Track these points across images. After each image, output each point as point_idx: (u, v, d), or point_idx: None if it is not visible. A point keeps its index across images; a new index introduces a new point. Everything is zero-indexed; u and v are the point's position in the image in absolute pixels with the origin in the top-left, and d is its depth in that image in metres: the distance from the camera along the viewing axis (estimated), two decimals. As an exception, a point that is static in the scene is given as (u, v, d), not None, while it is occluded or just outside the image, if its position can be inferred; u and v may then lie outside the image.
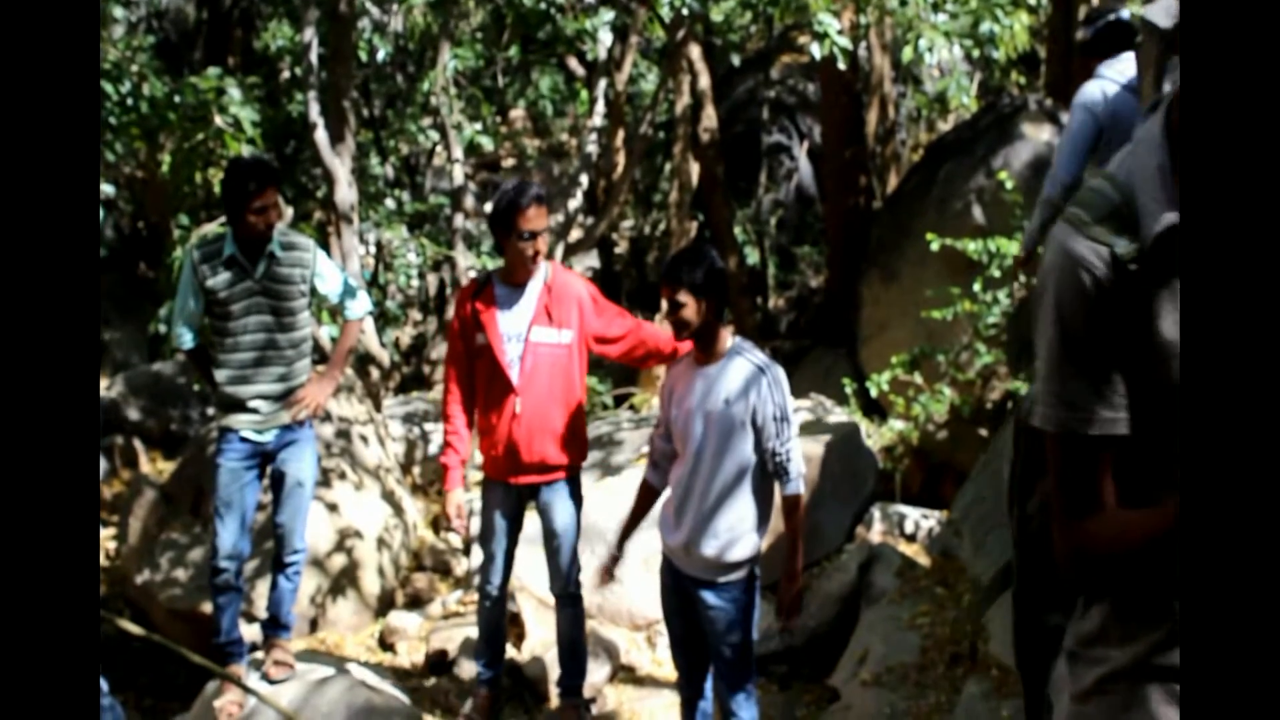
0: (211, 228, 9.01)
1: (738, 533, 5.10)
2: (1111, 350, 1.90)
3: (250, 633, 7.00)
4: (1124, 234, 1.86)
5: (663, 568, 5.40)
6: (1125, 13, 6.44)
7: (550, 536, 6.02)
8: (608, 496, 8.44)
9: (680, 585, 5.28)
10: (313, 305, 6.17)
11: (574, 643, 6.27)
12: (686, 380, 5.16)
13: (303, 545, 6.26)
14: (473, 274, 13.16)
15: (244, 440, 5.99)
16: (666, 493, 5.35)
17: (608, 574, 5.67)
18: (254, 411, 5.95)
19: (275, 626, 6.32)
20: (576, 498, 6.05)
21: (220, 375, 5.95)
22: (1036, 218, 6.76)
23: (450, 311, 13.00)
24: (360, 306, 6.25)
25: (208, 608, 7.43)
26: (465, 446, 5.96)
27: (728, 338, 5.12)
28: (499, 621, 6.28)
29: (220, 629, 6.18)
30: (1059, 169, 6.39)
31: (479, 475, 6.26)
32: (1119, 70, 6.33)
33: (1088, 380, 1.92)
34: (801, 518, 5.23)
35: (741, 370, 5.04)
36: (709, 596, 5.16)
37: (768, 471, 5.13)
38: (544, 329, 5.73)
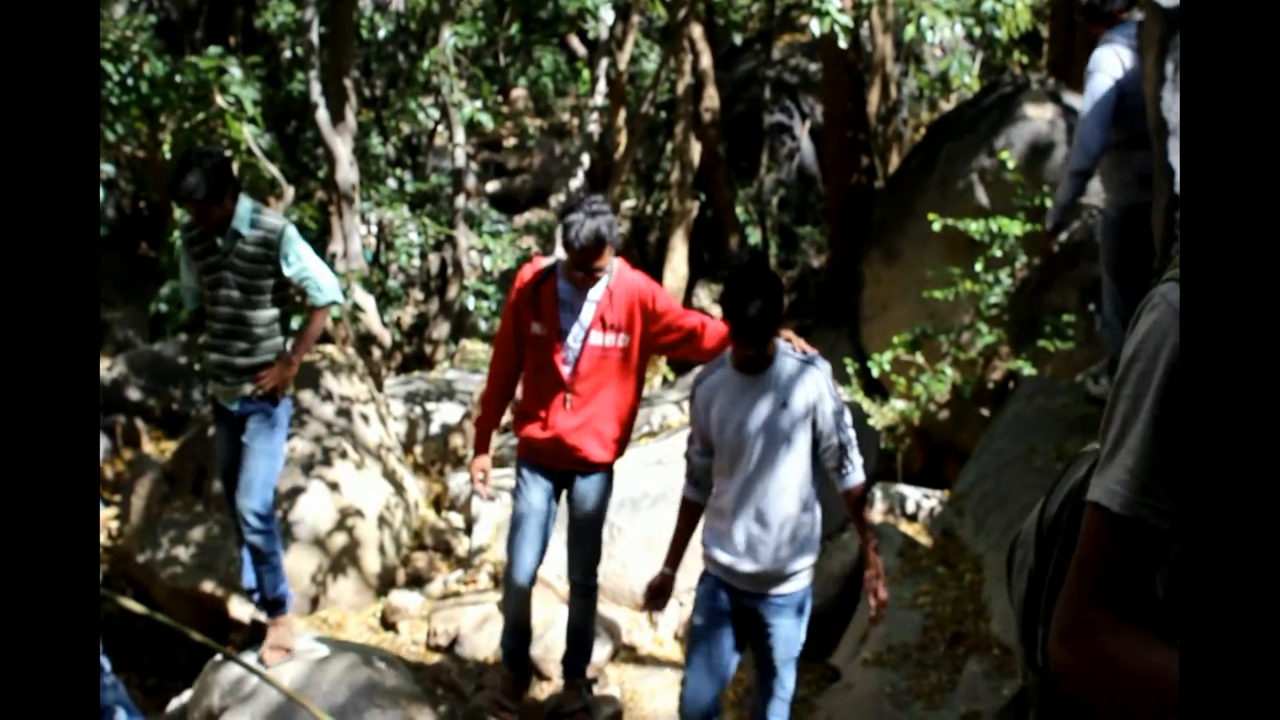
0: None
1: (803, 538, 4.95)
2: None
3: (249, 611, 7.04)
4: None
5: (709, 586, 5.08)
6: None
7: (578, 525, 6.00)
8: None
9: (736, 603, 5.01)
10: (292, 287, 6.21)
11: (584, 630, 6.28)
12: (731, 393, 4.87)
13: (259, 523, 6.17)
14: (474, 254, 13.17)
15: (223, 407, 6.26)
16: (715, 506, 5.05)
17: (659, 595, 5.29)
18: (221, 380, 6.17)
19: (264, 606, 6.34)
20: (608, 489, 6.02)
21: (204, 340, 6.25)
22: (1066, 191, 6.65)
23: (452, 291, 13.01)
24: (324, 294, 6.15)
25: (209, 586, 7.46)
26: (498, 418, 6.03)
27: (772, 345, 4.85)
28: (526, 612, 6.19)
29: (246, 573, 6.47)
30: (1086, 139, 6.30)
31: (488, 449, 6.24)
32: (1128, 33, 6.29)
33: (1172, 457, 1.64)
34: (870, 507, 5.02)
35: (791, 371, 4.84)
36: (770, 610, 4.98)
37: (819, 468, 4.97)
38: (600, 334, 5.66)
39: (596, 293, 5.66)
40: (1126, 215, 6.43)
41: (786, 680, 5.16)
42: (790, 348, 4.91)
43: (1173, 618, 1.74)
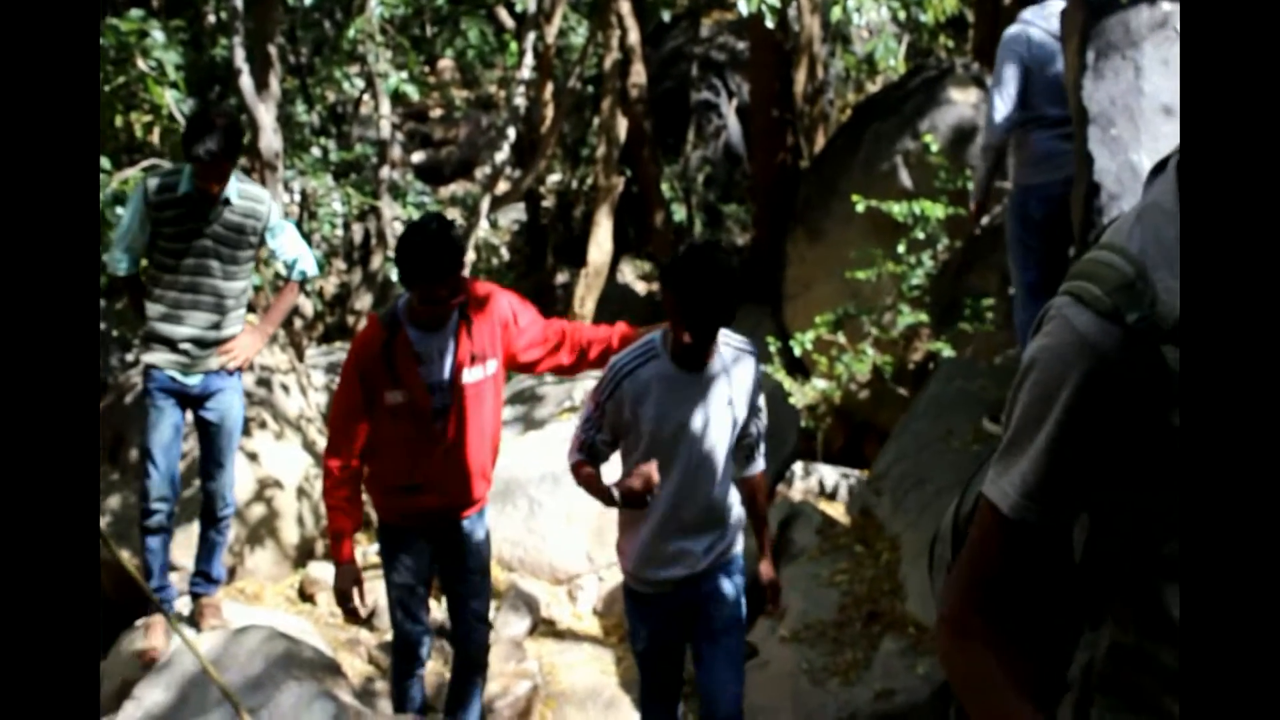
0: (133, 172, 8.89)
1: (734, 523, 4.72)
2: (1110, 446, 1.70)
3: (174, 580, 6.96)
4: (1138, 309, 1.65)
5: (652, 609, 4.72)
6: None
7: (471, 567, 5.40)
8: (531, 450, 8.46)
9: (684, 605, 4.67)
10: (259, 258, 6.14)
11: (481, 669, 5.64)
12: (670, 389, 4.42)
13: (233, 497, 6.23)
14: (398, 224, 13.08)
15: (170, 379, 5.91)
16: (628, 515, 4.63)
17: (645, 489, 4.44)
18: (184, 354, 5.88)
19: (206, 582, 6.29)
20: (485, 523, 5.46)
21: (153, 310, 5.86)
22: (981, 167, 6.91)
23: (375, 261, 12.92)
24: (306, 268, 6.14)
25: (124, 555, 7.37)
26: (359, 509, 5.19)
27: None
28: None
29: (151, 573, 6.12)
30: (993, 114, 6.50)
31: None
32: (1044, 14, 6.44)
33: (1065, 476, 1.74)
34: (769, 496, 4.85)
35: (733, 362, 4.51)
36: (720, 582, 4.67)
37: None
38: (468, 370, 5.00)
39: (451, 326, 4.99)
40: (1024, 195, 6.60)
41: (742, 666, 4.77)
42: (729, 334, 4.52)
43: (1088, 579, 1.85)
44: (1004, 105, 6.43)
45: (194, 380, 5.94)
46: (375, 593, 7.24)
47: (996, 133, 6.54)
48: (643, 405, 4.41)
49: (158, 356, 5.90)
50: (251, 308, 8.90)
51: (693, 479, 4.51)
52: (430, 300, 4.80)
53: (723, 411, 4.47)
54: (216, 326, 5.90)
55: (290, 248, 6.05)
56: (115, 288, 6.14)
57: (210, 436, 6.05)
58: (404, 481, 5.13)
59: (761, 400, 4.66)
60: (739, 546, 4.77)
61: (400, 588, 5.33)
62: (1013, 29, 6.51)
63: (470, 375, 5.01)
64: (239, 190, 5.80)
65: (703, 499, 4.56)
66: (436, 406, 4.99)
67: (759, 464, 4.80)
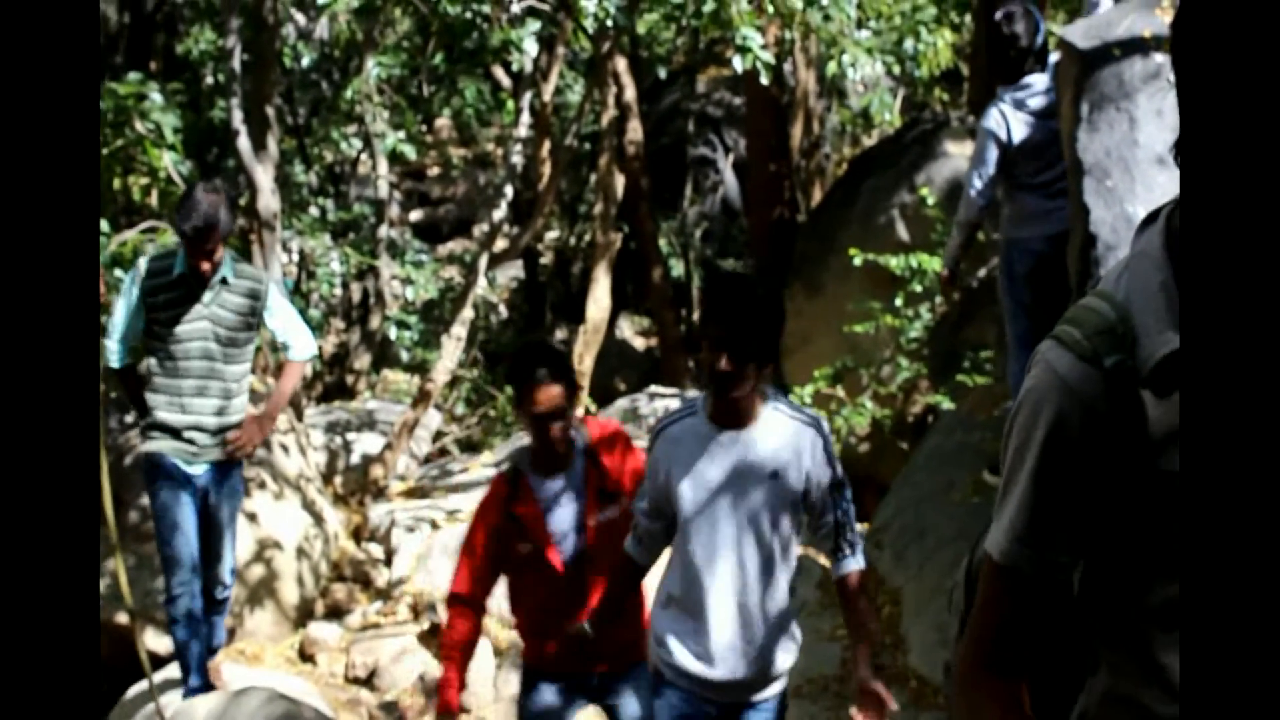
0: (131, 234, 8.92)
1: (785, 632, 4.06)
2: (1092, 488, 1.71)
3: (164, 644, 6.93)
4: (1117, 353, 1.67)
5: (674, 701, 4.05)
6: (1039, 33, 6.60)
7: None
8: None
9: (706, 714, 4.05)
10: (258, 340, 6.06)
11: None
12: (700, 449, 3.92)
13: (232, 579, 6.19)
14: (396, 284, 13.11)
15: (175, 466, 5.74)
16: (679, 599, 4.03)
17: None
18: (188, 442, 5.73)
19: (210, 653, 6.26)
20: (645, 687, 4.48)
21: (156, 400, 5.71)
22: (954, 239, 7.00)
23: (374, 321, 12.92)
24: (306, 348, 6.01)
25: (122, 618, 7.33)
26: (469, 660, 4.69)
27: (761, 392, 3.95)
28: None
29: (189, 668, 5.90)
30: (969, 190, 6.68)
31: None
32: (1013, 96, 6.55)
33: (1048, 519, 1.74)
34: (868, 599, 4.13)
35: (786, 430, 3.93)
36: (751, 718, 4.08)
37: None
38: (601, 511, 4.48)
39: (578, 468, 4.50)
40: (1009, 249, 6.74)
41: None
42: (785, 402, 4.05)
43: (1084, 626, 1.85)
44: (980, 183, 6.60)
45: (199, 470, 5.80)
46: (376, 652, 7.21)
47: (973, 209, 6.71)
48: (675, 465, 3.94)
49: (163, 445, 5.72)
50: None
51: (732, 568, 3.93)
52: (530, 413, 4.37)
53: (766, 485, 3.90)
54: (221, 412, 5.76)
55: (286, 327, 5.92)
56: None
57: (212, 526, 5.93)
58: (537, 625, 4.64)
59: (830, 480, 4.00)
60: (783, 682, 4.16)
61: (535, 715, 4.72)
62: (989, 110, 6.65)
63: (602, 515, 4.48)
64: (234, 270, 5.69)
65: (744, 596, 3.94)
66: (567, 557, 4.47)
67: (850, 562, 4.07)
